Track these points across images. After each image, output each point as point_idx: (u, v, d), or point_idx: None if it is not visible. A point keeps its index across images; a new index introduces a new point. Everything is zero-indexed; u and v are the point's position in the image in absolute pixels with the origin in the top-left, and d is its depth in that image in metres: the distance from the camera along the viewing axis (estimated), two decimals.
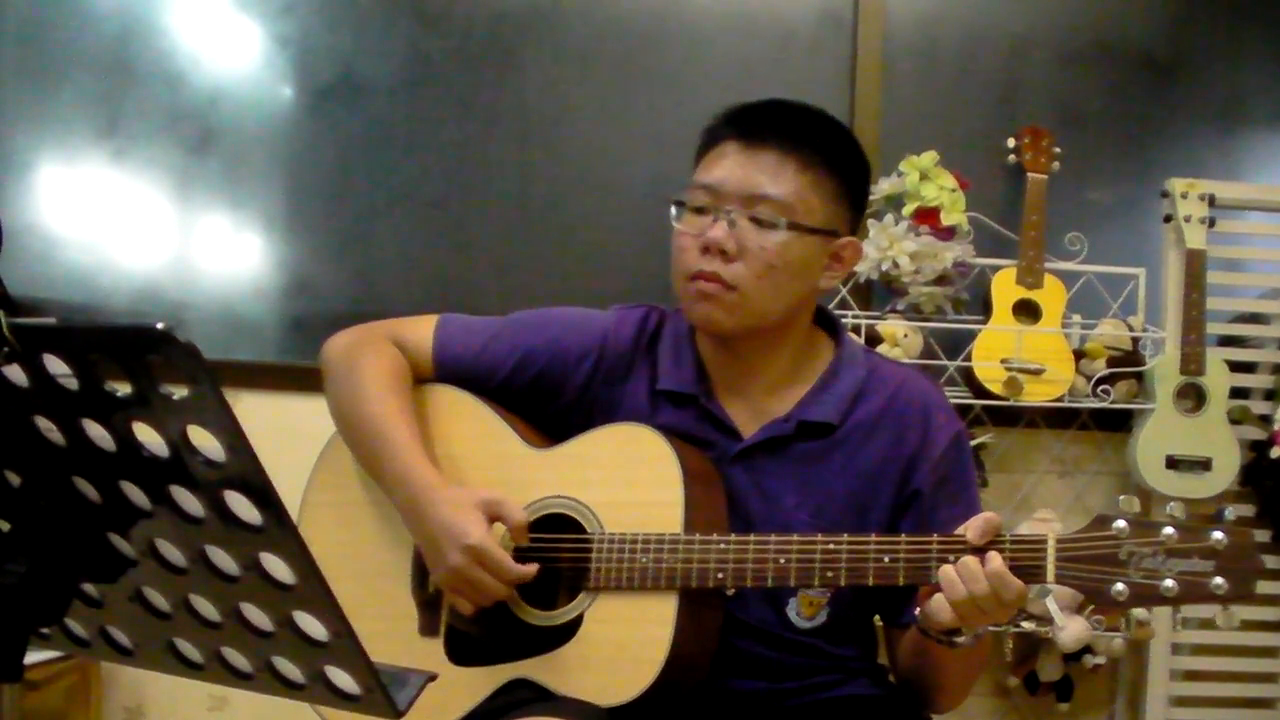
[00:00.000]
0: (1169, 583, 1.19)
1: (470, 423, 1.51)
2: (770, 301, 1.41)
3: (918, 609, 1.32)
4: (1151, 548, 1.20)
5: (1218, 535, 1.19)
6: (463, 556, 1.35)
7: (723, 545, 1.34)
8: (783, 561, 1.33)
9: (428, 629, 1.46)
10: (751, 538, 1.35)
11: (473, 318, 1.58)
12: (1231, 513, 1.22)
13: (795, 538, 1.33)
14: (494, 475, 1.46)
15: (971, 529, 1.27)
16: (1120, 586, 1.21)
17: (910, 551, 1.29)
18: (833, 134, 1.47)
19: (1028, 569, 1.24)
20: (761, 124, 1.43)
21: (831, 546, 1.32)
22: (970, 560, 1.24)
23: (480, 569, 1.35)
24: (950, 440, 1.46)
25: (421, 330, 1.55)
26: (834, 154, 1.44)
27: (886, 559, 1.30)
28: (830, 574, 1.31)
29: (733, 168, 1.41)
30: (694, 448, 1.44)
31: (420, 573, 1.47)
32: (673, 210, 1.45)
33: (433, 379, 1.54)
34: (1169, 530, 1.20)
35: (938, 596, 1.26)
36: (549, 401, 1.52)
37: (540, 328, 1.54)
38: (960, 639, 1.30)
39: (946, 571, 1.25)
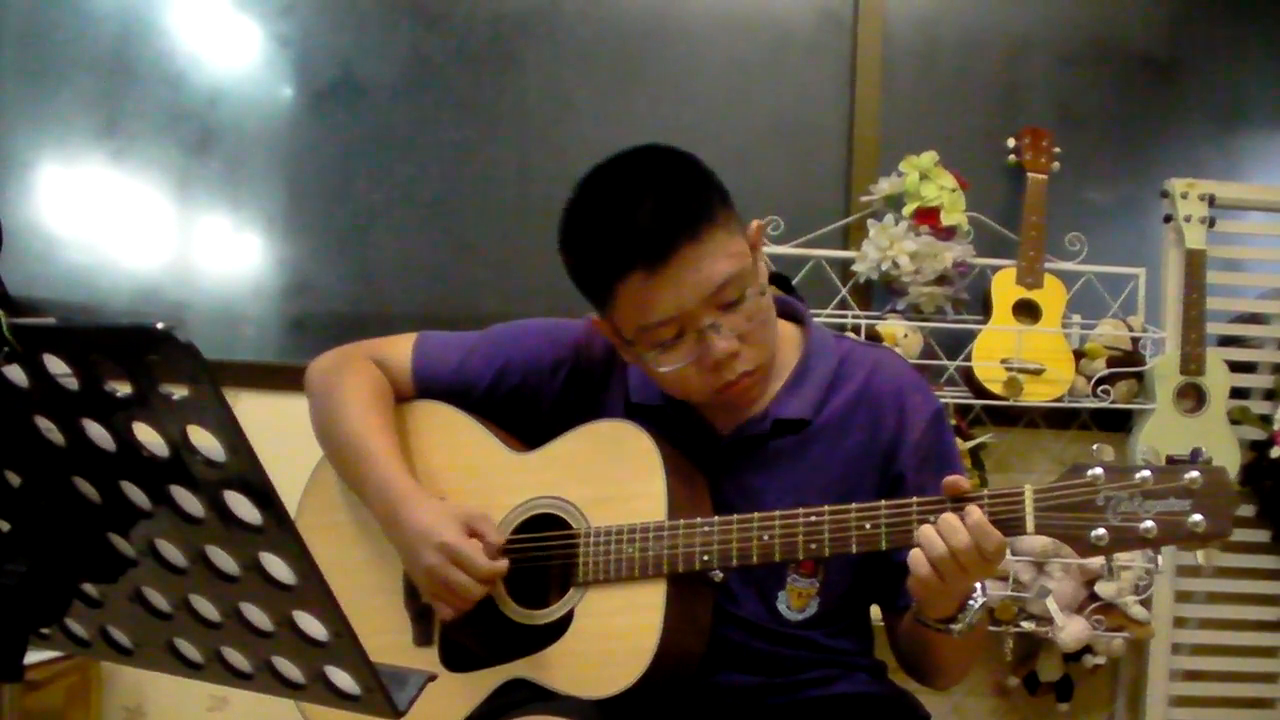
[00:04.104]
0: (1148, 524, 1.18)
1: (451, 434, 1.52)
2: (773, 343, 1.43)
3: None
4: (1128, 491, 1.20)
5: (1193, 474, 1.18)
6: (436, 555, 1.36)
7: (706, 528, 1.35)
8: (766, 538, 1.33)
9: (422, 639, 1.47)
10: (735, 517, 1.35)
11: (450, 334, 1.58)
12: (1205, 452, 1.21)
13: (777, 513, 1.34)
14: (478, 483, 1.47)
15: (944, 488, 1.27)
16: (1100, 531, 1.20)
17: (891, 515, 1.29)
18: (685, 183, 1.36)
19: (1008, 521, 1.24)
20: (652, 238, 1.32)
21: (813, 518, 1.32)
22: (949, 515, 1.24)
23: (454, 568, 1.36)
24: (929, 420, 1.45)
25: (400, 349, 1.56)
26: (700, 196, 1.35)
27: (868, 525, 1.30)
28: (814, 545, 1.31)
29: (672, 289, 1.32)
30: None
31: (411, 585, 1.49)
32: (648, 356, 1.37)
33: (413, 396, 1.55)
34: (1144, 473, 1.20)
35: (915, 552, 1.25)
36: (530, 412, 1.52)
37: (515, 340, 1.55)
38: (956, 626, 1.30)
39: (925, 530, 1.25)
